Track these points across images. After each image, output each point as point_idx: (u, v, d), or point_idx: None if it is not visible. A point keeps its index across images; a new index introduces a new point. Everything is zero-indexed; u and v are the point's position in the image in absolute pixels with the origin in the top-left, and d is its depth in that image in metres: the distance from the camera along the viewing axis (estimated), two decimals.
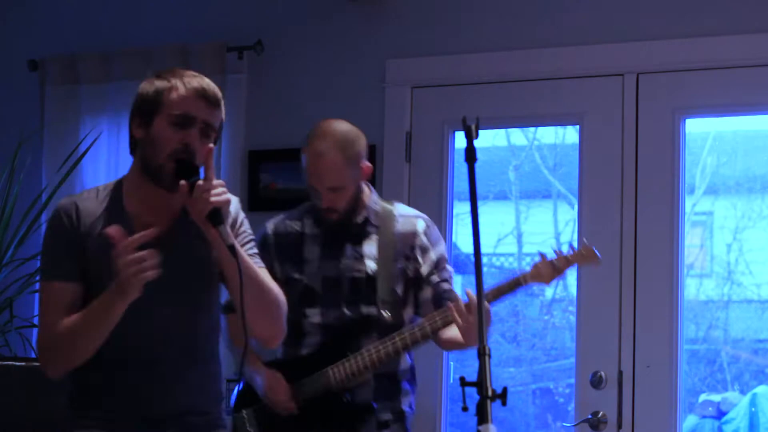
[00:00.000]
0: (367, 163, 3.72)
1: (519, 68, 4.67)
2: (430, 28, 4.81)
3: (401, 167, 4.79)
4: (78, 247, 2.87)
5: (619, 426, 4.42)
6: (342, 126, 3.71)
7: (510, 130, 6.00)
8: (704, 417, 6.51)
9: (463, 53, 4.75)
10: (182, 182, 2.77)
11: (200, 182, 2.77)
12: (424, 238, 3.74)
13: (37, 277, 4.81)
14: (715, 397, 6.54)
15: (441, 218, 4.71)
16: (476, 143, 2.78)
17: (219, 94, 2.91)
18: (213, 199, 2.74)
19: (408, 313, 3.73)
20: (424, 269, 3.72)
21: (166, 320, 2.89)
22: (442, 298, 3.70)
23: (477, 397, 2.39)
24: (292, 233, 3.76)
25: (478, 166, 2.69)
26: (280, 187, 4.94)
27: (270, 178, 4.95)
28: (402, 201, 4.77)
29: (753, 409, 6.20)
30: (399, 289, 3.69)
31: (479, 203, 2.73)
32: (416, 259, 3.73)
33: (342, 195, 3.66)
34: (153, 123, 2.86)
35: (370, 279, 3.67)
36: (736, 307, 6.82)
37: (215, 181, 2.78)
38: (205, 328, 2.98)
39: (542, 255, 3.60)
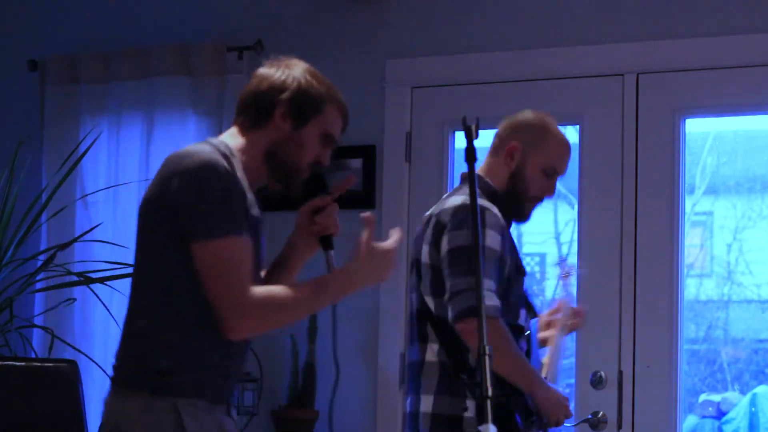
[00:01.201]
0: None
1: (519, 68, 4.67)
2: (430, 28, 4.81)
3: (401, 167, 4.79)
4: (245, 211, 2.76)
5: (619, 426, 4.41)
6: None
7: None
8: (704, 417, 6.52)
9: (463, 53, 4.74)
10: (318, 198, 2.92)
11: (332, 205, 2.88)
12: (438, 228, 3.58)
13: (38, 276, 4.81)
14: (715, 397, 6.55)
15: None
16: (476, 143, 2.78)
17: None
18: (334, 225, 2.86)
19: None
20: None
21: None
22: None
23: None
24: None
25: (478, 166, 2.70)
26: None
27: None
28: (402, 201, 4.78)
29: (753, 409, 6.21)
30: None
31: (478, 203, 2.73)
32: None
33: None
34: (306, 126, 2.87)
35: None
36: (736, 307, 6.82)
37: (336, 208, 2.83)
38: None
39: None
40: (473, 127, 2.69)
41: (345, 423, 4.74)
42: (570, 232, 6.43)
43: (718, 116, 5.03)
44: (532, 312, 3.56)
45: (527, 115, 3.59)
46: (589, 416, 4.42)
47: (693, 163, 6.13)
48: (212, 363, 2.75)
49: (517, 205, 3.49)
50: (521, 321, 3.45)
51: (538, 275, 7.12)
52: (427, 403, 3.39)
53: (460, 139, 4.79)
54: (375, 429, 4.70)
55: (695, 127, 5.28)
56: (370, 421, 4.70)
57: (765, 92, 4.40)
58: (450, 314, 3.30)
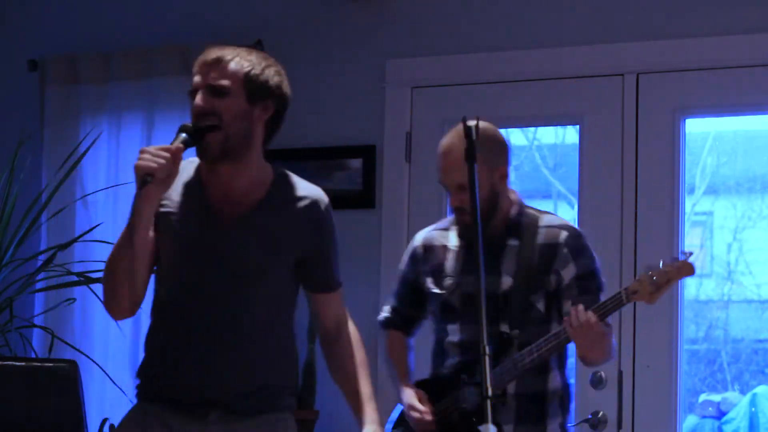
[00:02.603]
0: (505, 169, 3.53)
1: (519, 68, 4.67)
2: (430, 28, 4.81)
3: (401, 167, 4.79)
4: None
5: (619, 426, 4.41)
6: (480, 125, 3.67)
7: (510, 130, 5.98)
8: (704, 417, 6.52)
9: (463, 53, 4.74)
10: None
11: (159, 147, 2.81)
12: (565, 250, 3.50)
13: (38, 276, 4.81)
14: (715, 397, 6.55)
15: (441, 218, 4.70)
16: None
17: (223, 54, 2.91)
18: (148, 164, 2.77)
19: (555, 329, 3.44)
20: (565, 282, 3.49)
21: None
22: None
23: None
24: (437, 246, 3.62)
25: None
26: None
27: None
28: (402, 201, 4.78)
29: (753, 409, 6.21)
30: (541, 306, 3.48)
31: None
32: (558, 273, 3.49)
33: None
34: None
35: (506, 296, 3.47)
36: (736, 307, 6.82)
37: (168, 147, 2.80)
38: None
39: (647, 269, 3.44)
40: (473, 127, 2.69)
41: (345, 423, 4.74)
42: None
43: (718, 116, 5.03)
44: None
45: (498, 136, 3.60)
46: (589, 416, 4.42)
47: (693, 163, 6.13)
48: (151, 362, 2.94)
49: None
50: (451, 337, 3.54)
51: None
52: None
53: None
54: None
55: (695, 127, 5.28)
56: None
57: (765, 92, 4.40)
58: None
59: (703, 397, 6.59)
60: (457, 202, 3.45)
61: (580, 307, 3.29)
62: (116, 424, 3.84)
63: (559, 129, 6.15)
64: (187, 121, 2.88)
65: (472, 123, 2.70)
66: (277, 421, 2.95)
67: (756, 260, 6.59)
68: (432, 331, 3.64)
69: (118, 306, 2.83)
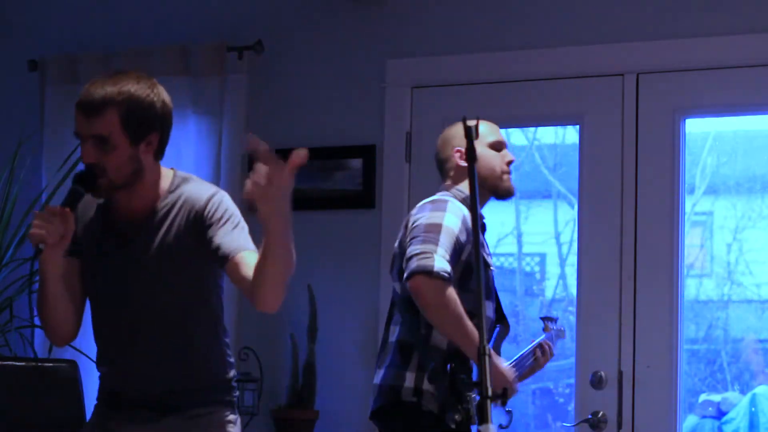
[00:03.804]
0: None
1: (519, 68, 4.67)
2: (430, 28, 4.81)
3: (401, 167, 4.79)
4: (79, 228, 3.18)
5: (619, 426, 4.41)
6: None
7: (510, 130, 5.98)
8: (704, 417, 6.51)
9: (463, 53, 4.74)
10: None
11: (48, 210, 2.95)
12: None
13: (37, 278, 4.81)
14: (715, 397, 6.54)
15: None
16: (476, 143, 2.78)
17: (99, 97, 2.96)
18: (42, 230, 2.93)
19: None
20: None
21: None
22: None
23: (477, 397, 2.40)
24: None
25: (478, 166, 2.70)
26: None
27: None
28: (402, 201, 4.78)
29: (753, 409, 6.20)
30: None
31: (478, 203, 2.74)
32: None
33: None
34: None
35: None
36: (736, 307, 6.81)
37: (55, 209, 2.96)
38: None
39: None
40: (473, 127, 2.69)
41: (345, 423, 4.74)
42: (570, 232, 6.43)
43: (718, 116, 5.03)
44: (500, 314, 3.74)
45: (448, 127, 3.87)
46: (589, 416, 4.42)
47: (693, 163, 6.13)
48: (102, 367, 3.21)
49: (494, 187, 3.74)
50: (487, 312, 3.59)
51: (538, 275, 7.12)
52: (377, 376, 3.69)
53: None
54: (375, 429, 4.69)
55: (695, 127, 5.27)
56: (371, 421, 4.70)
57: (765, 92, 4.40)
58: (404, 275, 3.46)
59: (703, 397, 6.58)
60: (510, 157, 3.80)
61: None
62: None
63: (559, 129, 6.15)
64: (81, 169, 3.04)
65: (472, 123, 2.70)
66: (199, 416, 3.11)
67: (756, 260, 6.59)
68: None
69: (55, 336, 3.16)
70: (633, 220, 4.47)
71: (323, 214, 4.88)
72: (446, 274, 3.40)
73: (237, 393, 3.25)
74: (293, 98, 4.97)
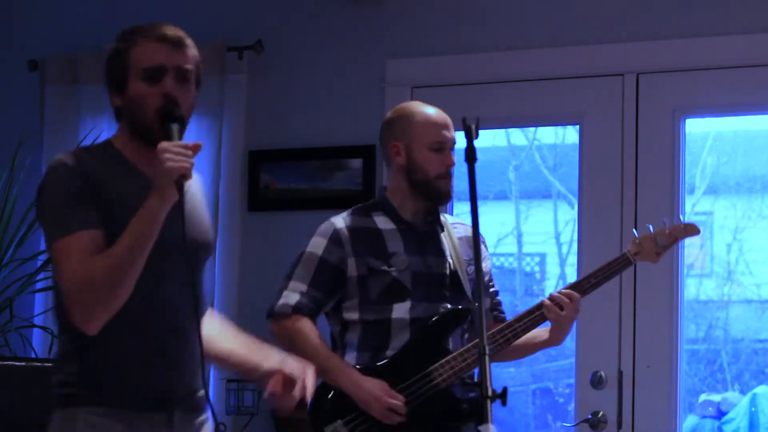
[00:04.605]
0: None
1: (519, 68, 4.67)
2: (430, 28, 4.81)
3: None
4: (95, 197, 2.66)
5: (619, 426, 4.41)
6: None
7: (510, 130, 6.00)
8: (704, 417, 6.51)
9: (463, 53, 4.75)
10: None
11: (180, 143, 2.62)
12: (483, 247, 3.62)
13: (38, 276, 4.81)
14: (715, 397, 6.54)
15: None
16: (476, 143, 2.78)
17: (182, 35, 2.84)
18: (185, 163, 2.58)
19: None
20: (485, 278, 3.65)
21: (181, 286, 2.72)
22: (496, 309, 3.67)
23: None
24: (366, 228, 3.55)
25: (478, 166, 2.70)
26: (280, 187, 4.94)
27: (270, 178, 4.95)
28: None
29: (753, 409, 6.20)
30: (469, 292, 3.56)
31: (479, 203, 2.73)
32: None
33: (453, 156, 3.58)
34: (128, 87, 2.75)
35: (454, 275, 3.54)
36: (736, 307, 6.82)
37: (189, 144, 2.63)
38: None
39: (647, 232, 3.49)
40: (473, 127, 2.70)
41: None
42: (570, 232, 6.43)
43: (718, 116, 5.03)
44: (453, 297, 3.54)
45: (387, 115, 3.66)
46: (589, 416, 4.42)
47: (693, 163, 6.13)
48: (107, 366, 2.68)
49: (429, 189, 3.53)
50: (399, 313, 3.46)
51: (538, 275, 7.12)
52: None
53: (460, 139, 4.78)
54: None
55: (695, 127, 5.27)
56: None
57: (765, 92, 4.40)
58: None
59: (703, 397, 6.58)
60: (451, 162, 3.54)
61: (568, 291, 3.43)
62: None
63: (559, 129, 6.15)
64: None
65: (472, 123, 2.70)
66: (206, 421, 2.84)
67: (756, 260, 6.59)
68: (357, 314, 3.49)
69: (106, 317, 2.61)
70: (633, 220, 4.47)
71: (323, 214, 4.84)
72: (286, 309, 3.46)
73: None
74: (293, 98, 4.97)
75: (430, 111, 3.57)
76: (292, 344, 3.41)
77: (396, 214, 3.56)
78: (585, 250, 4.55)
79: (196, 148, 2.63)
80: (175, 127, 2.69)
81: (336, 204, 4.85)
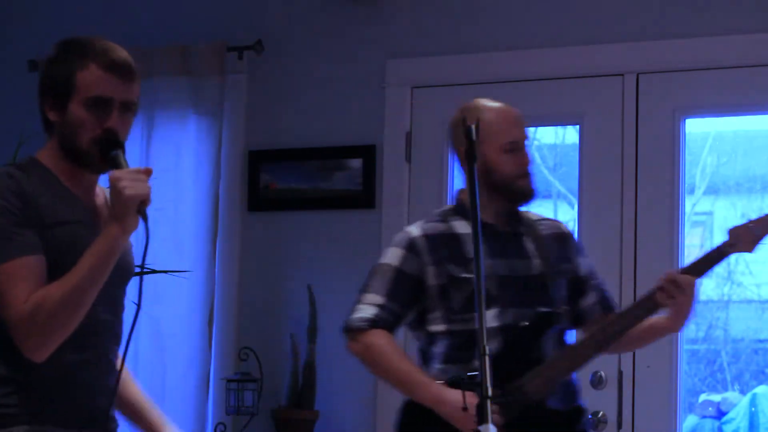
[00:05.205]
0: None
1: (519, 68, 4.67)
2: (430, 28, 4.81)
3: (401, 167, 4.79)
4: (34, 221, 2.60)
5: (619, 426, 4.41)
6: None
7: None
8: (704, 417, 6.52)
9: (463, 53, 4.75)
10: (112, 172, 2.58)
11: (132, 169, 2.59)
12: (573, 242, 3.51)
13: None
14: (715, 397, 6.55)
15: None
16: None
17: (132, 63, 2.73)
18: (144, 189, 2.56)
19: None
20: (584, 274, 3.48)
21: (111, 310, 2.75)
22: (608, 301, 3.50)
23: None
24: (444, 235, 3.37)
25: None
26: (280, 187, 4.94)
27: (270, 178, 4.95)
28: (402, 201, 4.78)
29: (753, 409, 6.21)
30: (563, 291, 3.41)
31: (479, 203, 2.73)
32: (574, 264, 3.46)
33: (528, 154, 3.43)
34: (68, 107, 2.66)
35: (540, 277, 3.37)
36: (736, 307, 6.82)
37: (141, 168, 2.60)
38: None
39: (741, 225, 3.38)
40: (473, 127, 2.69)
41: (345, 423, 4.74)
42: None
43: (718, 116, 5.03)
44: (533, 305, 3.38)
45: (454, 115, 3.46)
46: (589, 416, 4.42)
47: (693, 163, 6.13)
48: (45, 386, 2.65)
49: (510, 191, 3.37)
50: (486, 322, 3.32)
51: None
52: None
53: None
54: (375, 429, 4.70)
55: (695, 127, 5.28)
56: (370, 421, 4.70)
57: (765, 92, 4.40)
58: None
59: (703, 397, 6.59)
60: (529, 160, 3.40)
61: (678, 274, 3.25)
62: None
63: (559, 129, 6.14)
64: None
65: (472, 123, 2.70)
66: None
67: (756, 260, 6.59)
68: (442, 325, 3.34)
69: (56, 345, 2.59)
70: (633, 220, 4.47)
71: (323, 214, 4.88)
72: (363, 323, 3.30)
73: None
74: (293, 98, 4.97)
75: (498, 109, 3.42)
76: (370, 360, 3.31)
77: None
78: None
79: (148, 173, 2.60)
80: (120, 153, 2.65)
81: (336, 204, 4.86)
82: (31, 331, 2.56)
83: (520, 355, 3.27)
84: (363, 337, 3.31)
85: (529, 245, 3.41)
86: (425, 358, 3.38)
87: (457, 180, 4.76)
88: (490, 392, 2.35)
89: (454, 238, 3.37)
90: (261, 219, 4.96)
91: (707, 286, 6.76)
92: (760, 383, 6.44)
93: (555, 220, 3.57)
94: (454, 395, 3.11)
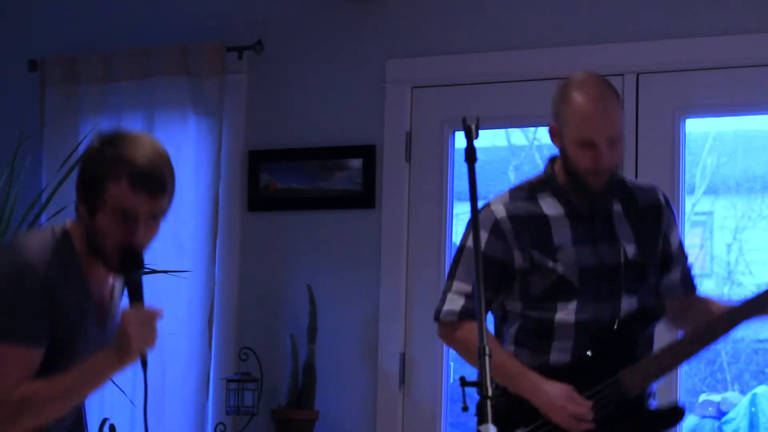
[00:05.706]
0: None
1: (519, 68, 4.67)
2: (430, 28, 4.81)
3: (401, 167, 4.79)
4: (48, 312, 2.69)
5: None
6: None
7: (510, 130, 6.00)
8: (704, 417, 6.51)
9: (463, 53, 4.74)
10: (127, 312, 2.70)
11: (145, 312, 2.72)
12: (668, 212, 3.32)
13: None
14: (715, 397, 6.54)
15: (441, 218, 4.70)
16: (476, 143, 2.78)
17: (165, 178, 2.72)
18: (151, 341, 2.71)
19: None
20: (674, 248, 3.32)
21: None
22: (691, 280, 3.37)
23: (477, 397, 2.39)
24: (532, 216, 3.24)
25: (478, 166, 2.69)
26: (280, 187, 4.94)
27: (270, 178, 4.95)
28: (402, 201, 4.78)
29: (753, 409, 6.20)
30: (654, 275, 3.27)
31: (479, 203, 2.73)
32: (666, 237, 3.30)
33: (619, 150, 3.19)
34: (96, 215, 2.72)
35: (632, 266, 3.23)
36: None
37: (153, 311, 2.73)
38: None
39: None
40: (473, 127, 2.68)
41: (345, 423, 4.74)
42: None
43: (718, 116, 5.03)
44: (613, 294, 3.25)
45: (559, 84, 3.27)
46: None
47: (693, 163, 6.13)
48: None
49: (578, 183, 3.23)
50: (563, 315, 3.20)
51: None
52: None
53: (460, 139, 4.79)
54: (375, 429, 4.70)
55: (695, 127, 5.27)
56: (370, 421, 4.70)
57: (765, 92, 4.40)
58: None
59: (703, 397, 6.58)
60: (606, 160, 3.14)
61: None
62: (116, 424, 3.85)
63: None
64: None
65: (472, 123, 2.70)
66: None
67: (756, 260, 6.58)
68: (519, 306, 3.26)
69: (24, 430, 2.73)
70: None
71: (323, 214, 4.88)
72: (452, 317, 3.24)
73: None
74: (293, 98, 4.97)
75: (585, 100, 3.16)
76: (463, 352, 3.26)
77: (564, 195, 3.23)
78: None
79: (158, 315, 2.73)
80: (140, 283, 2.74)
81: (336, 204, 4.86)
82: (10, 419, 2.67)
83: (616, 351, 3.18)
84: (454, 331, 3.27)
85: (623, 227, 3.26)
86: (497, 334, 3.33)
87: (457, 180, 4.76)
88: (490, 392, 2.35)
89: (542, 220, 3.24)
90: (261, 219, 4.96)
91: (707, 286, 6.76)
92: (760, 383, 6.44)
93: (651, 187, 3.37)
94: (555, 387, 3.12)
